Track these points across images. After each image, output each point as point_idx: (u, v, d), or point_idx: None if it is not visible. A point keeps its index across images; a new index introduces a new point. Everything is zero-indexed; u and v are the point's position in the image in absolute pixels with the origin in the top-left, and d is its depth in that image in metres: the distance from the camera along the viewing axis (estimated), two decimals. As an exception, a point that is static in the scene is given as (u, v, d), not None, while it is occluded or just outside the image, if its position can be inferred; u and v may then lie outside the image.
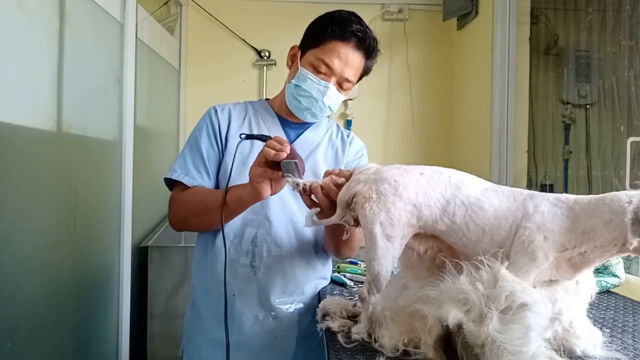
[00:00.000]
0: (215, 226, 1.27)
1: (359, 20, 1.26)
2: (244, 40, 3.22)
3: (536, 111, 2.69)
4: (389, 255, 0.88)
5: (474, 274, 0.78)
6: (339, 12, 1.28)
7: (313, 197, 1.04)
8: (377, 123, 3.31)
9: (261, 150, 1.08)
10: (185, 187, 1.28)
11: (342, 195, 0.95)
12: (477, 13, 2.81)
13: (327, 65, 1.25)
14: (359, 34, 1.24)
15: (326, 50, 1.24)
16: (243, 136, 1.17)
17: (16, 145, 1.24)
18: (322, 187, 1.02)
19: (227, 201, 1.17)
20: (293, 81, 1.29)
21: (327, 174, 1.05)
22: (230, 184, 1.19)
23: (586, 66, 2.63)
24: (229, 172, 1.24)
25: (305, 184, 1.04)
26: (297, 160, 1.06)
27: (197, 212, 1.25)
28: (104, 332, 1.86)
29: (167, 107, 2.97)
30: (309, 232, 1.33)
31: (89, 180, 1.69)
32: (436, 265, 0.91)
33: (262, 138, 1.16)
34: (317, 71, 1.26)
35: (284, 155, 1.04)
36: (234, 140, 1.31)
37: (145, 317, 2.27)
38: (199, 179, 1.28)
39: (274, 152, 1.05)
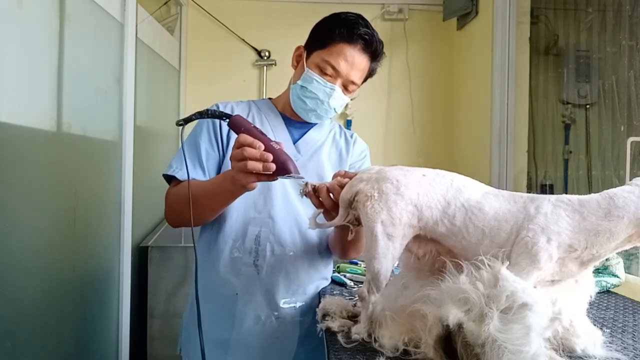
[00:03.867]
0: (207, 219, 1.26)
1: (365, 23, 1.26)
2: (244, 40, 3.22)
3: (536, 111, 2.69)
4: (389, 255, 0.88)
5: (475, 273, 0.78)
6: (346, 14, 1.27)
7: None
8: (377, 123, 3.31)
9: (240, 159, 1.01)
10: (179, 182, 1.27)
11: (345, 194, 0.96)
12: (477, 13, 2.81)
13: (334, 67, 1.24)
14: (366, 37, 1.24)
15: (333, 52, 1.24)
16: (181, 122, 1.05)
17: (16, 145, 1.24)
18: (327, 189, 1.02)
19: (217, 193, 1.16)
20: (299, 82, 1.28)
21: (335, 176, 1.05)
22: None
23: (586, 66, 2.63)
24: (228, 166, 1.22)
25: (313, 185, 1.04)
26: (294, 172, 1.01)
27: (188, 206, 1.24)
28: (104, 332, 1.86)
29: (167, 107, 2.97)
30: (312, 232, 1.32)
31: (89, 180, 1.69)
32: (437, 269, 0.91)
33: (214, 115, 1.06)
34: (323, 73, 1.25)
35: (273, 166, 0.99)
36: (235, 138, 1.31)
37: (145, 317, 2.27)
38: (194, 174, 1.27)
39: (260, 165, 0.99)
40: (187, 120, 1.06)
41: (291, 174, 1.01)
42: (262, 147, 1.00)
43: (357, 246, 1.30)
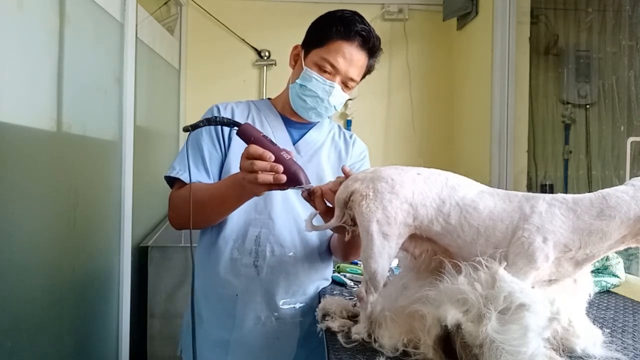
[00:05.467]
0: (214, 222, 1.26)
1: (362, 19, 1.27)
2: (244, 40, 3.22)
3: (536, 111, 2.69)
4: (385, 254, 0.88)
5: (473, 274, 0.78)
6: (342, 12, 1.28)
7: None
8: (377, 123, 3.31)
9: (250, 170, 1.00)
10: (184, 184, 1.27)
11: (340, 194, 0.96)
12: (477, 13, 2.81)
13: (332, 65, 1.24)
14: (363, 33, 1.24)
15: (331, 50, 1.24)
16: (188, 128, 1.04)
17: (16, 145, 1.24)
18: (322, 194, 1.03)
19: (225, 197, 1.16)
20: (298, 81, 1.28)
21: (343, 171, 1.04)
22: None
23: (586, 66, 2.63)
24: (230, 167, 1.23)
25: (308, 189, 1.04)
26: (305, 184, 1.01)
27: (194, 210, 1.23)
28: (104, 332, 1.86)
29: (167, 107, 2.97)
30: (312, 233, 1.32)
31: (89, 180, 1.69)
32: (433, 268, 0.91)
33: (224, 123, 1.05)
34: (322, 71, 1.26)
35: (284, 178, 0.99)
36: (237, 139, 1.31)
37: (145, 317, 2.27)
38: (198, 176, 1.27)
39: (271, 177, 0.99)
40: (195, 126, 1.05)
41: (302, 185, 1.01)
42: (272, 158, 0.99)
43: (359, 249, 1.30)
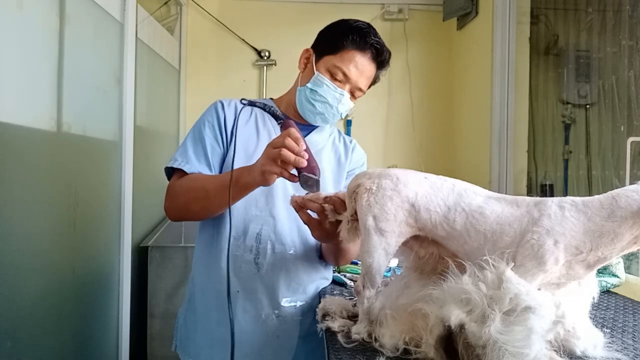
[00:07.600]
0: (215, 212, 1.25)
1: (375, 32, 1.29)
2: (244, 40, 3.22)
3: (536, 111, 2.69)
4: (380, 249, 0.89)
5: (478, 274, 0.78)
6: (357, 22, 1.30)
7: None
8: (377, 123, 3.31)
9: (277, 146, 1.05)
10: (184, 174, 1.26)
11: (350, 184, 0.98)
12: (477, 13, 2.81)
13: (344, 74, 1.27)
14: (377, 46, 1.27)
15: (344, 59, 1.26)
16: (245, 102, 1.20)
17: (16, 145, 1.24)
18: (305, 204, 1.07)
19: (232, 183, 1.15)
20: (308, 85, 1.29)
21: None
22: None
23: (586, 66, 2.63)
24: (231, 160, 1.23)
25: (294, 196, 1.09)
26: (317, 177, 1.06)
27: (197, 199, 1.22)
28: (104, 332, 1.86)
29: (167, 107, 2.97)
30: None
31: (89, 180, 1.69)
32: (438, 272, 0.91)
33: (274, 114, 1.18)
34: (333, 78, 1.28)
35: (304, 163, 1.04)
36: (240, 135, 1.31)
37: (145, 317, 2.27)
38: (199, 167, 1.27)
39: (293, 156, 1.03)
40: (252, 103, 1.24)
41: (316, 176, 1.06)
42: (304, 146, 1.06)
43: (347, 255, 1.32)
